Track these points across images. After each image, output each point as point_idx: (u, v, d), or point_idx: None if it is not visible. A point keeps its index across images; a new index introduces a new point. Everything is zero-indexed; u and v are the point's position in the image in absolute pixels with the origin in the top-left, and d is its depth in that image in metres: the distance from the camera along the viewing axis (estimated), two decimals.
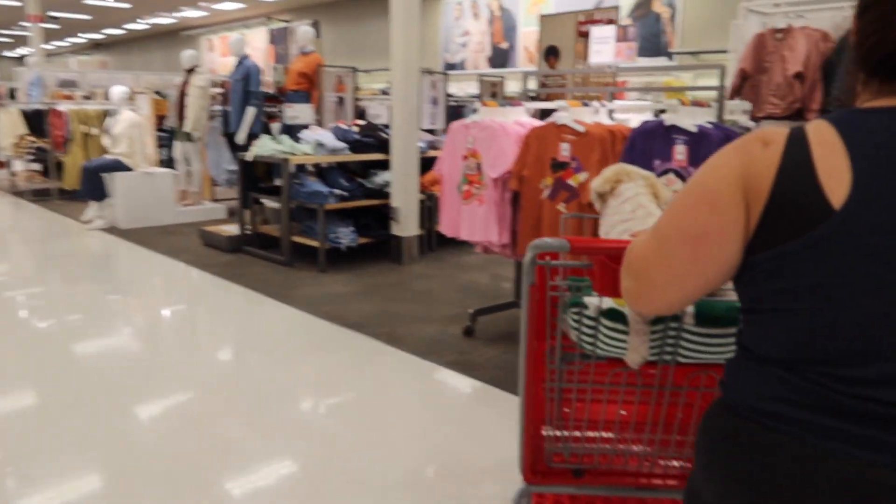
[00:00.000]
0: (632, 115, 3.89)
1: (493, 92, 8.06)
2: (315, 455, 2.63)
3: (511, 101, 3.80)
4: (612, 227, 1.93)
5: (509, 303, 4.23)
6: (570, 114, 3.36)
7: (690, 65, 9.82)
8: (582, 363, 1.78)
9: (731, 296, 1.62)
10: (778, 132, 0.91)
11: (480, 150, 3.72)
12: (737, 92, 5.14)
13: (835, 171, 0.85)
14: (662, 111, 3.91)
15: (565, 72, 6.38)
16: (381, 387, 3.30)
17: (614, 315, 1.73)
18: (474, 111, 3.77)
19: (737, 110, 4.23)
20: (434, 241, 6.40)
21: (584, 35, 8.40)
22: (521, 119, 3.81)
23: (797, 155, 0.88)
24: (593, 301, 1.73)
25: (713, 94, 3.31)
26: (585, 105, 3.45)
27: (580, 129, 3.31)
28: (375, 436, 2.78)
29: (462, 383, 3.37)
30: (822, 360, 0.86)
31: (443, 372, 3.50)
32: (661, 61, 10.56)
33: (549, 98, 5.85)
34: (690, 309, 1.61)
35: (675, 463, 2.02)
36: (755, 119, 4.81)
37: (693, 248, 0.95)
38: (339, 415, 2.98)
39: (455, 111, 7.97)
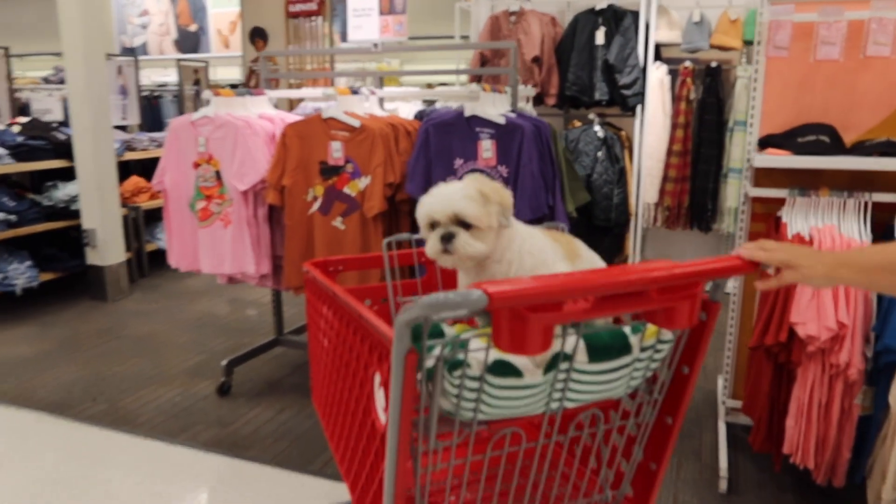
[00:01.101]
0: (399, 103, 3.32)
1: (195, 79, 6.88)
2: None
3: (251, 89, 2.95)
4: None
5: (269, 342, 3.38)
6: (339, 104, 2.65)
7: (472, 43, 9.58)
8: (461, 433, 1.22)
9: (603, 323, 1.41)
10: None
11: (218, 155, 2.81)
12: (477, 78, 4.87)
13: None
14: (432, 102, 3.39)
15: (310, 52, 5.58)
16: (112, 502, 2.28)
17: (503, 369, 1.17)
18: (204, 101, 2.84)
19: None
20: (146, 265, 5.17)
21: (295, 15, 7.62)
22: (266, 112, 2.98)
23: None
24: (478, 356, 1.16)
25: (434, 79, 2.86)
26: (355, 93, 2.76)
27: (354, 122, 2.62)
28: None
29: (234, 472, 2.50)
30: None
31: (202, 459, 2.57)
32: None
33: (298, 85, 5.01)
34: (581, 344, 1.23)
35: None
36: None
37: None
38: None
39: (151, 103, 6.64)
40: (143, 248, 5.14)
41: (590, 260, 1.48)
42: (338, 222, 2.71)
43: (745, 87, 4.42)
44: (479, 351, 1.14)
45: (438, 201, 1.33)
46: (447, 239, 1.32)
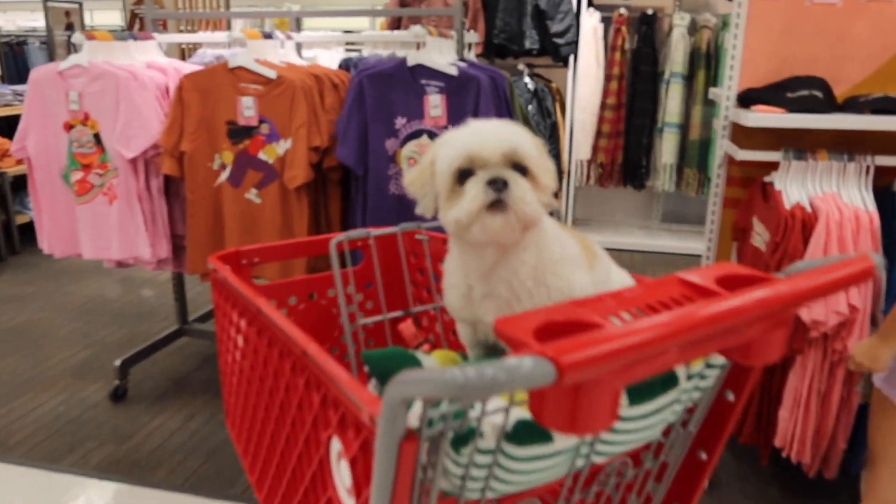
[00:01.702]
0: (318, 51, 2.83)
1: (67, 23, 5.99)
2: None
3: (135, 33, 2.40)
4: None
5: (172, 333, 2.89)
6: (248, 50, 2.16)
7: None
8: None
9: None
10: None
11: (96, 114, 2.27)
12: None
13: None
14: (358, 49, 2.92)
15: None
16: None
17: (529, 435, 0.82)
18: (77, 46, 2.27)
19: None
20: (17, 240, 4.46)
21: None
22: (156, 60, 2.44)
23: None
24: (495, 421, 0.79)
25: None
26: (268, 37, 2.27)
27: (269, 73, 2.14)
28: None
29: (138, 501, 2.05)
30: None
31: (96, 487, 2.11)
32: None
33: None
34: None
35: None
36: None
37: None
38: None
39: (15, 51, 5.75)
40: (12, 220, 4.42)
41: (607, 260, 1.13)
42: (252, 195, 2.25)
43: (682, 36, 4.19)
44: (496, 412, 0.78)
45: (487, 134, 0.90)
46: (499, 187, 0.86)
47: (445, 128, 2.05)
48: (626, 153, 4.52)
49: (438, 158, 0.91)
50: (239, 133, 2.22)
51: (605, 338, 0.57)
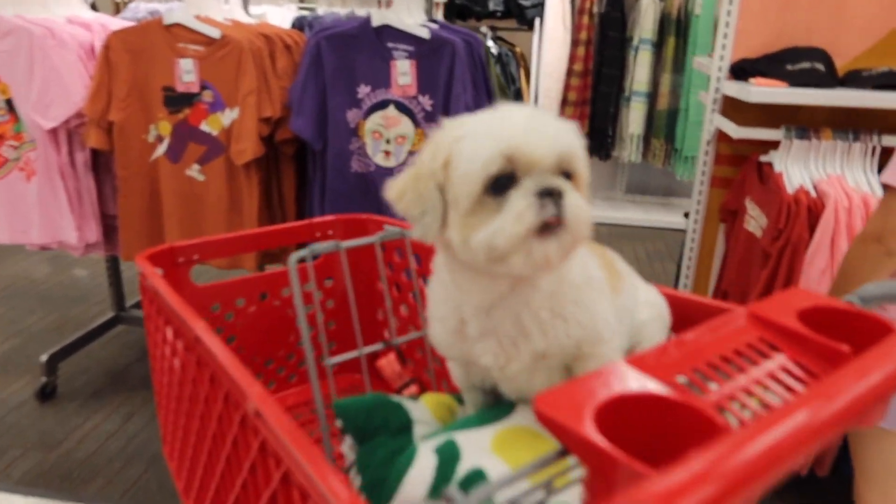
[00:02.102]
0: (267, 7, 2.53)
1: None
2: None
3: None
4: None
5: (107, 322, 2.62)
6: (187, 5, 1.88)
7: None
8: None
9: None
10: None
11: (7, 77, 1.96)
12: None
13: None
14: (310, 5, 2.63)
15: None
16: None
17: None
18: None
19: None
20: None
21: None
22: (78, 15, 2.12)
23: None
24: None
25: None
26: None
27: (212, 32, 1.87)
28: None
29: None
30: None
31: None
32: None
33: None
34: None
35: None
36: None
37: None
38: None
39: None
40: None
41: (632, 277, 0.92)
42: (194, 172, 1.99)
43: (652, 0, 4.01)
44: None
45: (536, 128, 0.65)
46: (554, 198, 0.63)
47: (415, 98, 1.82)
48: (592, 122, 4.34)
49: (460, 157, 0.65)
50: (177, 101, 1.94)
51: (728, 470, 0.37)
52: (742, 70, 1.95)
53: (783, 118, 1.91)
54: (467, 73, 1.77)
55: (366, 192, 1.91)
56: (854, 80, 1.84)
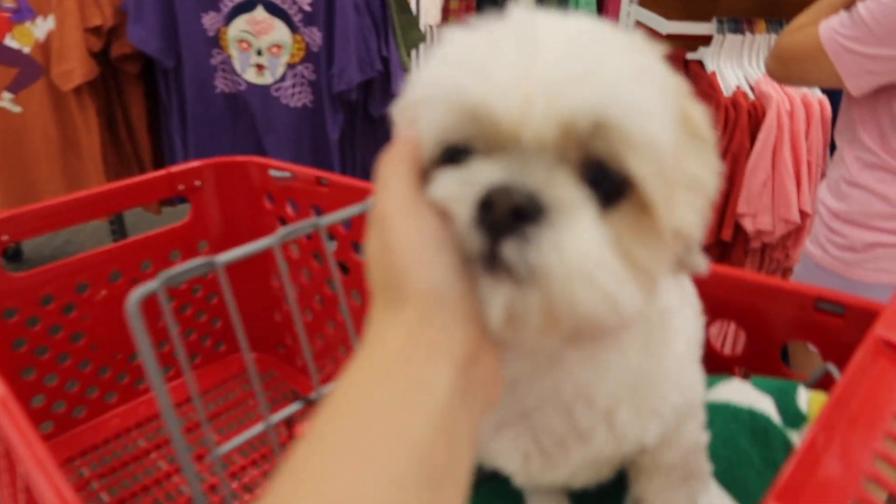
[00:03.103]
0: None
1: None
2: None
3: None
4: None
5: None
6: None
7: None
8: None
9: None
10: None
11: None
12: None
13: None
14: None
15: None
16: None
17: None
18: None
19: None
20: None
21: None
22: None
23: None
24: None
25: None
26: None
27: None
28: None
29: None
30: None
31: None
32: None
33: None
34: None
35: None
36: None
37: None
38: None
39: None
40: None
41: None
42: (6, 102, 1.54)
43: None
44: None
45: (523, 61, 0.31)
46: (504, 222, 0.30)
47: None
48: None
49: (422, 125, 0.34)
50: None
51: None
52: None
53: (703, 8, 1.71)
54: None
55: (238, 116, 1.56)
56: None
